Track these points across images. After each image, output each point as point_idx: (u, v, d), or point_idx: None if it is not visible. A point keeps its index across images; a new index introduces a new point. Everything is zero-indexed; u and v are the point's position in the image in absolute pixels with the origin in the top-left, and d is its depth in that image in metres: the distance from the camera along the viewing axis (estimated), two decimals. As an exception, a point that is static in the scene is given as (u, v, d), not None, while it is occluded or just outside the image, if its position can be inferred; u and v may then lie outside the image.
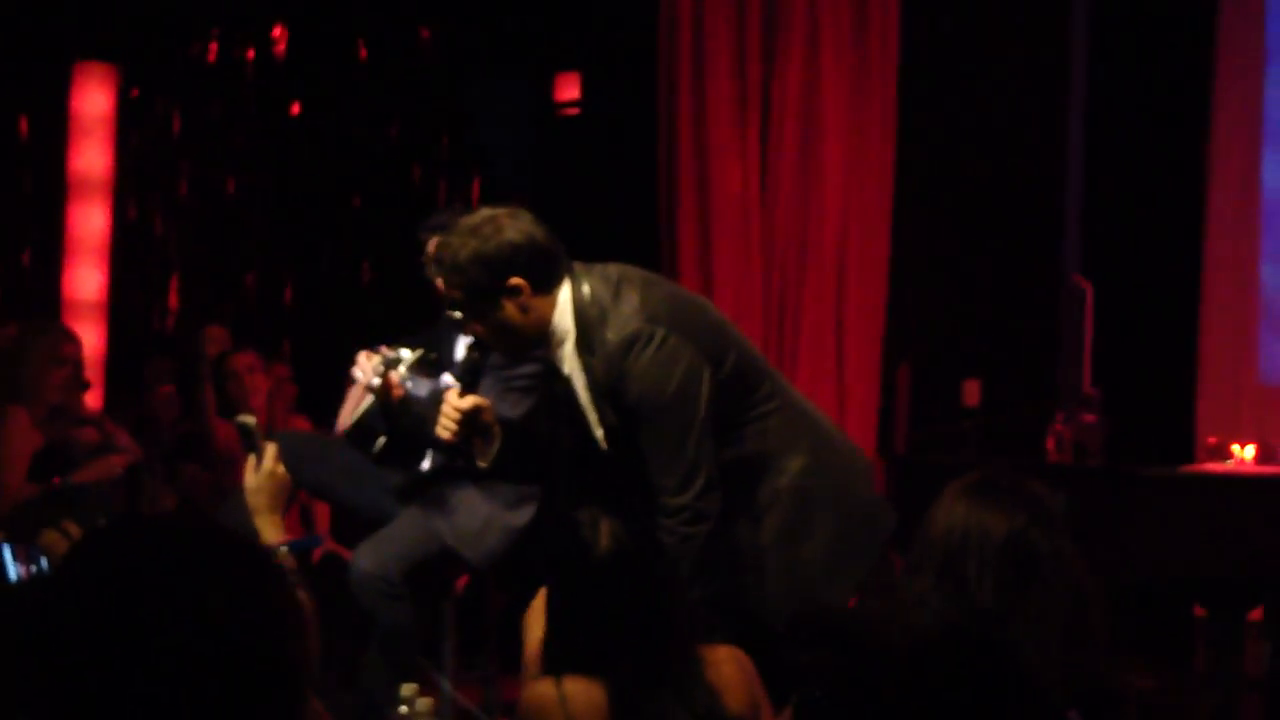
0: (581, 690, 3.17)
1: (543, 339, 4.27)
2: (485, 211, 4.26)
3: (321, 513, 6.76)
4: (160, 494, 7.13)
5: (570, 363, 4.27)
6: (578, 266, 4.28)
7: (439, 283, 4.38)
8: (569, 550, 3.35)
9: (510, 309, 4.19)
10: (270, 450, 3.82)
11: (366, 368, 5.14)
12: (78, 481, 6.27)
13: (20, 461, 6.29)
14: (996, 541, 2.69)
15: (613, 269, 4.32)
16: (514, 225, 4.19)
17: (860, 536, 4.29)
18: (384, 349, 5.21)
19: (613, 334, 4.17)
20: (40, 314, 8.44)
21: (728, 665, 3.34)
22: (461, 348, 5.59)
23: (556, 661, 3.25)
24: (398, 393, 5.12)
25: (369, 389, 5.16)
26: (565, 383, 4.31)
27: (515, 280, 4.16)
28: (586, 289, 4.22)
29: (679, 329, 4.17)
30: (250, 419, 4.05)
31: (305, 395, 7.90)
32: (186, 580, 1.67)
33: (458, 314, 4.42)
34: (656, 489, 4.16)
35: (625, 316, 4.17)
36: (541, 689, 3.19)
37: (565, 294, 4.22)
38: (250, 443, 3.90)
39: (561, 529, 3.42)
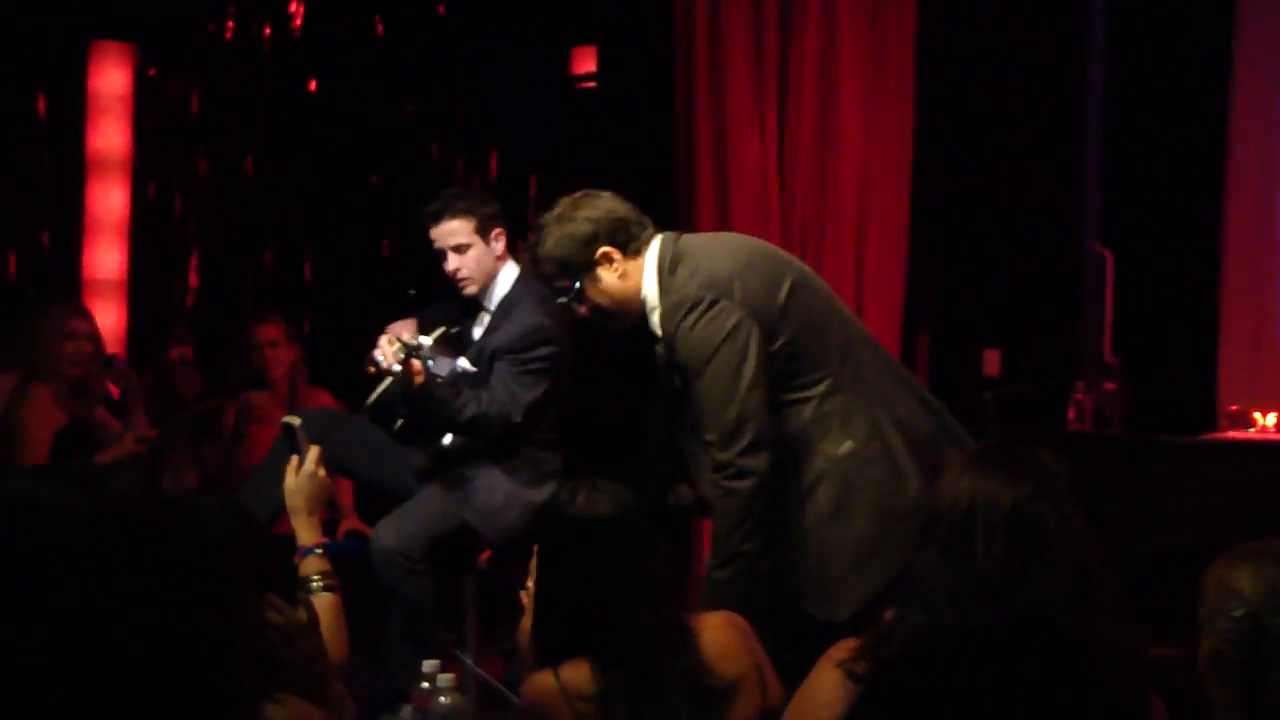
0: (578, 677, 3.16)
1: (641, 307, 4.43)
2: (563, 200, 4.51)
3: (345, 489, 6.76)
4: (182, 471, 7.14)
5: (658, 329, 4.40)
6: (662, 234, 4.44)
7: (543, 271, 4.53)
8: (551, 521, 3.34)
9: (607, 278, 4.40)
10: (313, 453, 3.83)
11: (388, 351, 5.16)
12: (98, 462, 6.28)
13: (41, 439, 6.31)
14: (1003, 510, 2.70)
15: (694, 237, 4.52)
16: (590, 203, 4.45)
17: (896, 533, 4.20)
18: (405, 334, 5.22)
19: (669, 299, 4.32)
20: (59, 293, 8.46)
21: (724, 630, 3.33)
22: (478, 329, 5.60)
23: (543, 642, 3.24)
24: (419, 379, 5.15)
25: (390, 373, 5.17)
26: (662, 350, 4.44)
27: (604, 249, 4.38)
28: (661, 255, 4.38)
29: (730, 296, 4.24)
30: (295, 420, 4.05)
31: (325, 372, 7.90)
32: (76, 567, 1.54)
33: (577, 307, 4.52)
34: (706, 446, 4.25)
35: (681, 282, 4.30)
36: (541, 681, 3.18)
37: (651, 258, 4.39)
38: (293, 444, 3.90)
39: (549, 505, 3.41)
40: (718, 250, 4.39)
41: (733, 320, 4.22)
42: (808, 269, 4.54)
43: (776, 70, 7.29)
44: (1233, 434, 6.53)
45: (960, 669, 1.88)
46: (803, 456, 4.31)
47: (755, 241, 4.59)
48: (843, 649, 2.80)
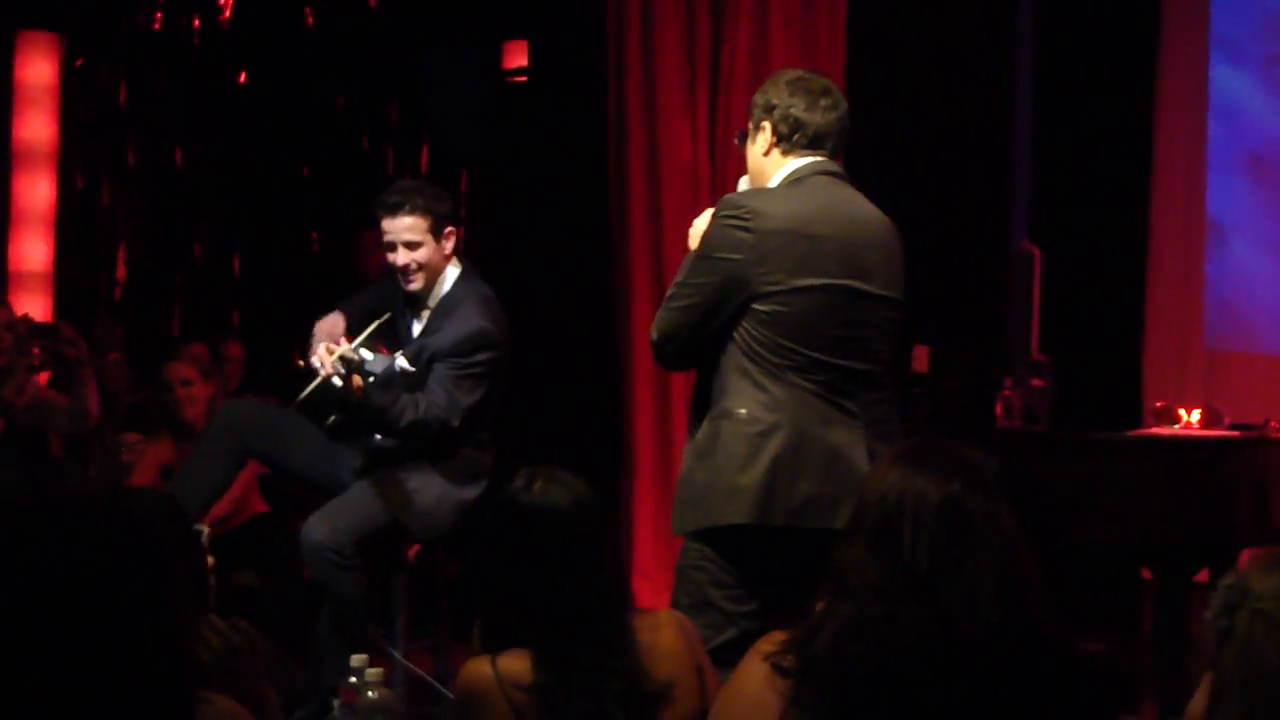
0: (516, 666, 3.16)
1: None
2: (813, 74, 4.53)
3: (246, 480, 6.66)
4: (110, 463, 7.09)
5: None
6: (825, 161, 4.40)
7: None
8: (504, 507, 3.33)
9: (759, 144, 4.40)
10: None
11: (326, 360, 5.14)
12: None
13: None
14: (932, 506, 2.70)
15: (838, 187, 4.43)
16: (804, 90, 4.40)
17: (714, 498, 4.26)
18: (345, 344, 5.20)
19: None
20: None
21: (666, 630, 3.32)
22: (416, 324, 5.59)
23: (490, 630, 3.24)
24: (358, 393, 5.14)
25: (330, 384, 5.15)
26: None
27: (765, 120, 4.38)
28: (796, 172, 4.36)
29: (757, 231, 4.21)
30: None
31: (254, 365, 7.87)
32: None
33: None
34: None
35: (761, 191, 4.38)
36: (476, 667, 3.18)
37: (786, 168, 4.38)
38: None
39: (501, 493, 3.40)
40: (810, 206, 4.31)
41: (730, 235, 4.22)
42: (864, 286, 4.34)
43: (708, 65, 7.31)
44: (1157, 430, 6.58)
45: (888, 664, 1.89)
46: (716, 392, 4.30)
47: (859, 238, 4.38)
48: (770, 641, 2.80)
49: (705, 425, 4.29)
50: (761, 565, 4.24)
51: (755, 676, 2.79)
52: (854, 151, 7.10)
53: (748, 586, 4.22)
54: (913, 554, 2.67)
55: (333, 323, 5.49)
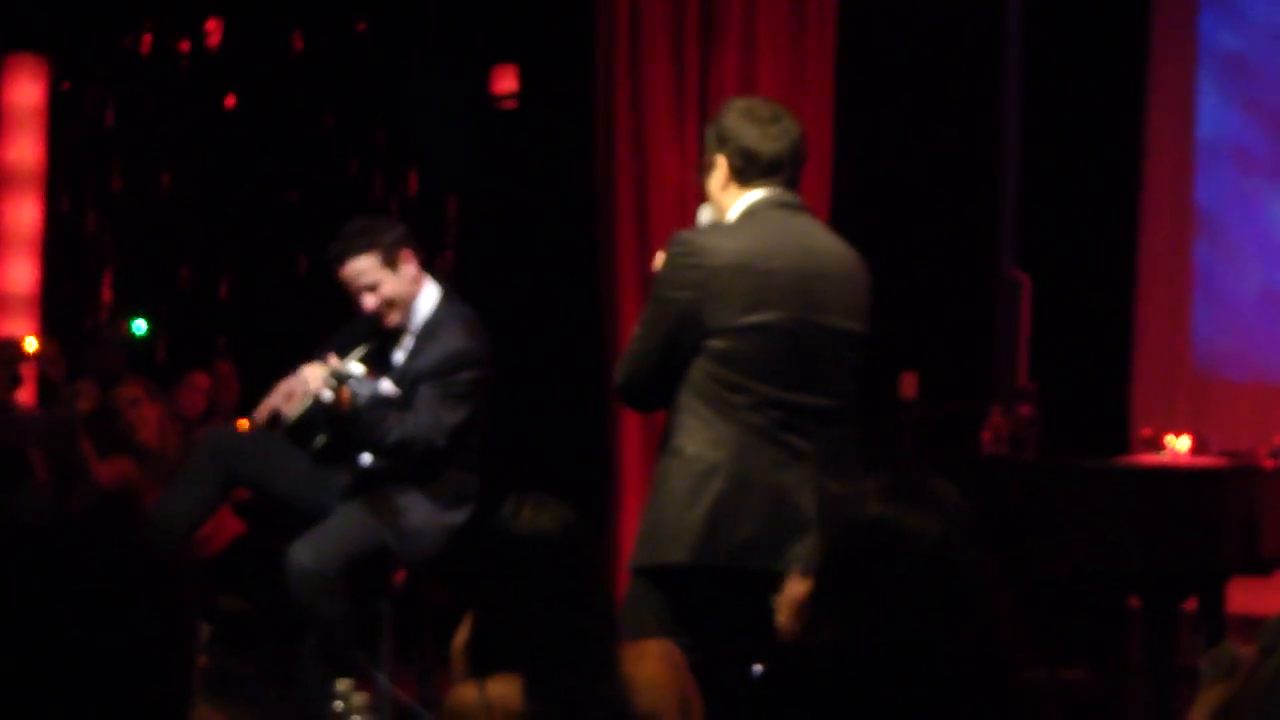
0: (504, 692, 3.15)
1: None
2: (768, 104, 4.50)
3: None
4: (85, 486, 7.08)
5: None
6: (779, 194, 4.33)
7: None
8: (493, 534, 3.33)
9: (716, 178, 4.35)
10: None
11: (315, 377, 5.13)
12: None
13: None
14: (919, 547, 2.63)
15: (790, 217, 4.37)
16: (749, 122, 4.34)
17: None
18: (333, 360, 5.19)
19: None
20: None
21: (652, 661, 3.31)
22: (401, 353, 5.57)
23: (478, 656, 3.23)
24: (347, 406, 5.12)
25: (318, 400, 5.14)
26: None
27: (719, 154, 4.33)
28: (751, 208, 4.33)
29: (704, 269, 4.20)
30: None
31: (243, 389, 7.84)
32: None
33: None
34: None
35: (708, 229, 4.38)
36: (464, 693, 3.17)
37: (741, 201, 4.34)
38: None
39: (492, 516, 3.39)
40: (762, 239, 4.29)
41: (681, 275, 4.22)
42: (820, 319, 4.31)
43: (697, 89, 7.31)
44: (1146, 458, 6.58)
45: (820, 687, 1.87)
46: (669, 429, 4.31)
47: (814, 270, 4.35)
48: None
49: (659, 462, 4.31)
50: (703, 604, 4.23)
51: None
52: (842, 178, 7.13)
53: (686, 624, 4.20)
54: (884, 589, 2.58)
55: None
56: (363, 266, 5.40)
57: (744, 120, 4.34)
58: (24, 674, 1.54)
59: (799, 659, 2.60)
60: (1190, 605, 5.96)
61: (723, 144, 4.34)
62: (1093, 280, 8.15)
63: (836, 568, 2.65)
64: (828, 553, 2.69)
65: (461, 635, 3.33)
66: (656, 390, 4.31)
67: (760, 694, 2.54)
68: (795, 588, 2.89)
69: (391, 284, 5.43)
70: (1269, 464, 6.04)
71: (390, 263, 5.42)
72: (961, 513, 2.68)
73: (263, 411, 5.39)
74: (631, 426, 7.43)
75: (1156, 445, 6.61)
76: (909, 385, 7.60)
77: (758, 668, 2.67)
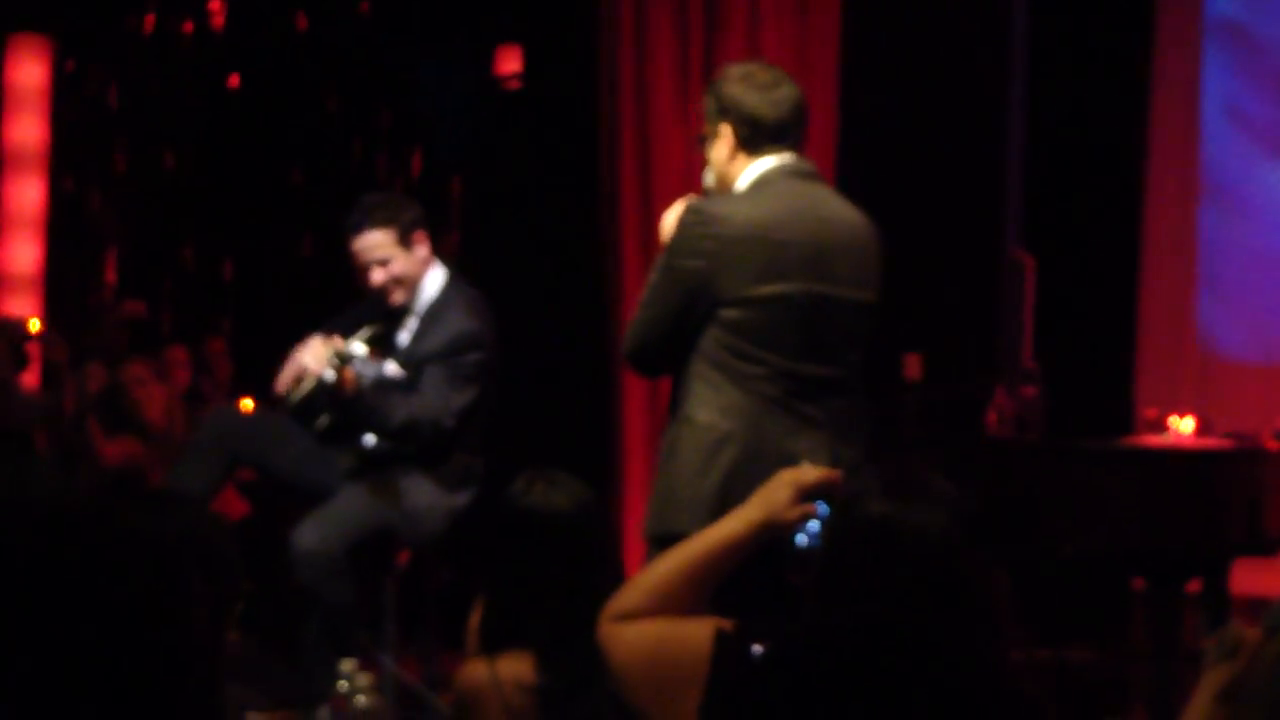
0: (514, 668, 3.15)
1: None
2: (770, 69, 4.40)
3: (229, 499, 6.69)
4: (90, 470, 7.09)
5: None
6: (779, 161, 4.27)
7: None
8: (506, 510, 3.33)
9: (720, 147, 4.28)
10: None
11: (320, 354, 5.13)
12: None
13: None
14: (921, 543, 2.62)
15: (805, 184, 4.33)
16: (754, 87, 4.27)
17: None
18: (338, 340, 5.19)
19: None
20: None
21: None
22: (406, 334, 5.57)
23: (490, 633, 3.24)
24: (350, 387, 5.12)
25: (322, 380, 5.14)
26: None
27: (723, 123, 4.27)
28: (764, 176, 4.27)
29: (720, 238, 4.16)
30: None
31: (246, 370, 7.84)
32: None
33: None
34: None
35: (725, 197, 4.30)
36: (475, 670, 3.18)
37: (751, 169, 4.27)
38: None
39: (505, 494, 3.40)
40: (775, 209, 4.23)
41: (692, 245, 4.17)
42: (831, 290, 4.26)
43: (701, 69, 7.30)
44: (1150, 439, 6.58)
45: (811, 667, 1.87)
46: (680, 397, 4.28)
47: (827, 241, 4.29)
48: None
49: (669, 430, 4.29)
50: None
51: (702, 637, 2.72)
52: (845, 159, 7.13)
53: None
54: (883, 586, 2.57)
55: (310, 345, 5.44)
56: (377, 240, 5.43)
57: (745, 87, 4.28)
58: (32, 655, 1.54)
59: (798, 645, 2.59)
60: (1194, 586, 5.96)
61: (724, 113, 4.28)
62: (1097, 261, 8.15)
63: (837, 566, 2.65)
64: (828, 550, 2.69)
65: (476, 615, 3.34)
66: (666, 356, 4.29)
67: (757, 675, 2.53)
68: (806, 473, 2.84)
69: (402, 262, 5.45)
70: (1273, 445, 6.03)
71: (404, 241, 5.45)
72: (961, 510, 2.68)
73: (284, 382, 5.38)
74: (636, 406, 7.44)
75: (1161, 426, 6.61)
76: (913, 366, 7.60)
77: (757, 648, 2.64)
